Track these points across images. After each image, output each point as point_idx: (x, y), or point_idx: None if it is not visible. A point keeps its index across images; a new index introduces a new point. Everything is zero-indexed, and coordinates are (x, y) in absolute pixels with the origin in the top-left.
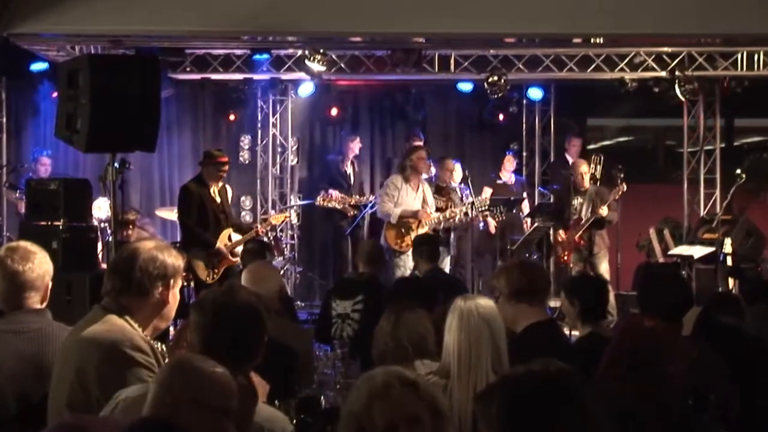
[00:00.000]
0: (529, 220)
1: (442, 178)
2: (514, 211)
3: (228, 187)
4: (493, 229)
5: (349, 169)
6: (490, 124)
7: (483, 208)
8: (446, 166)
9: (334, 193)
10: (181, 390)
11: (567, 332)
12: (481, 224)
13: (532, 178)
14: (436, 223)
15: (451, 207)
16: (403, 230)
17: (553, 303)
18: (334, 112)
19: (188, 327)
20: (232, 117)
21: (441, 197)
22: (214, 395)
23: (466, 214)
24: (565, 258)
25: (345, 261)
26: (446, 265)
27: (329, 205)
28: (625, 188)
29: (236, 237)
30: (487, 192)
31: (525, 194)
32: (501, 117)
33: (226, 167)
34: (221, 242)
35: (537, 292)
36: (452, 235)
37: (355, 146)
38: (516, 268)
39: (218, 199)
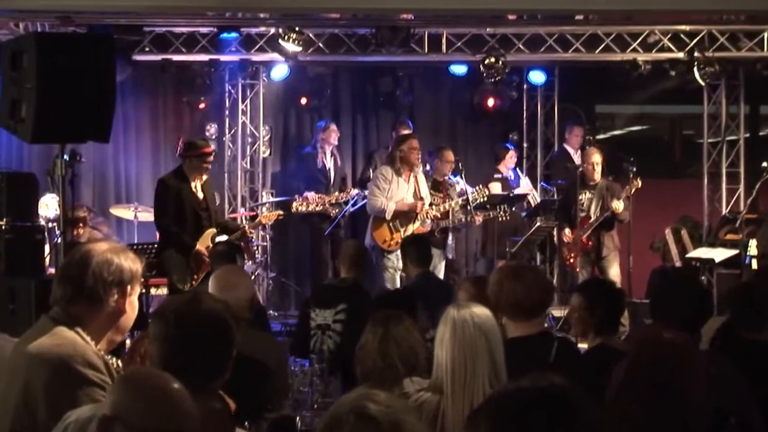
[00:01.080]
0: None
1: (441, 171)
2: (514, 208)
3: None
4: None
5: (328, 163)
6: (486, 111)
7: (480, 200)
8: (446, 157)
9: (310, 195)
10: (129, 414)
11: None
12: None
13: (533, 173)
14: (434, 220)
15: (448, 203)
16: (393, 226)
17: (557, 312)
18: (311, 98)
19: (146, 339)
20: (196, 103)
21: (438, 193)
22: (166, 418)
23: (464, 207)
24: (571, 261)
25: (324, 265)
26: (440, 271)
27: (306, 209)
28: (639, 184)
29: (222, 238)
30: (496, 189)
31: (530, 188)
32: (498, 104)
33: (211, 158)
34: (203, 244)
35: (533, 309)
36: (449, 237)
37: (331, 136)
38: (507, 279)
39: (201, 195)
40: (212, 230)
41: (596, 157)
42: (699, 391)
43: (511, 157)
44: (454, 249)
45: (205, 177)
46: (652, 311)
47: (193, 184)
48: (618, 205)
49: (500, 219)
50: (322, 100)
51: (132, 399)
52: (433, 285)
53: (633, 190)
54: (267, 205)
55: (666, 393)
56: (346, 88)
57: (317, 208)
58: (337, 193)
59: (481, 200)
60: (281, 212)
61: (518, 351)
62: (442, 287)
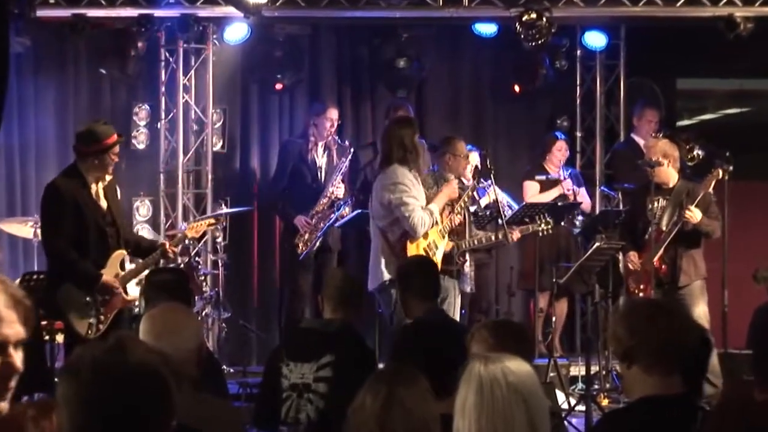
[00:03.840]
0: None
1: (454, 170)
2: (563, 223)
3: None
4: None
5: (319, 159)
6: (524, 88)
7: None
8: (458, 149)
9: (302, 220)
10: None
11: None
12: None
13: (590, 172)
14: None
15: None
16: (428, 247)
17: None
18: (280, 68)
19: (49, 407)
20: (119, 76)
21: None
22: None
23: (492, 219)
24: (642, 293)
25: (301, 300)
26: (455, 308)
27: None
28: (720, 174)
29: (132, 263)
30: (533, 190)
31: (582, 193)
32: (541, 77)
33: (117, 150)
34: (111, 272)
35: (681, 358)
36: (467, 263)
37: (327, 121)
38: (659, 314)
39: (104, 204)
40: (121, 252)
41: (667, 148)
42: None
43: (558, 150)
44: (473, 280)
45: (108, 178)
46: (756, 366)
47: (93, 189)
48: (694, 214)
49: (541, 233)
50: (295, 70)
51: None
52: (443, 327)
53: (713, 183)
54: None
55: None
56: (330, 55)
57: (306, 237)
58: (324, 200)
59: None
60: (213, 220)
61: (653, 414)
62: (456, 330)
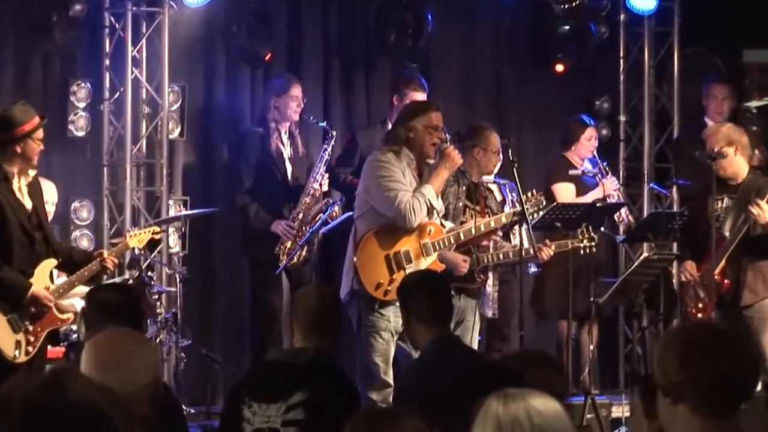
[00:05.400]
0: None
1: (483, 167)
2: (603, 228)
3: (49, 183)
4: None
5: (286, 149)
6: (555, 61)
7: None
8: (491, 143)
9: (281, 225)
10: None
11: None
12: (532, 267)
13: (636, 165)
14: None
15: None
16: (395, 258)
17: None
18: (251, 37)
19: None
20: (53, 47)
21: (472, 204)
22: None
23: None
24: (700, 314)
25: (272, 325)
26: (473, 335)
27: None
28: None
29: (63, 275)
30: (566, 193)
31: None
32: (576, 48)
33: (41, 135)
34: (41, 283)
35: (739, 396)
36: (490, 281)
37: (291, 101)
38: (713, 344)
39: (28, 204)
40: (51, 261)
41: (731, 134)
42: None
43: (590, 139)
44: (496, 302)
45: (32, 174)
46: None
47: (15, 185)
48: (764, 212)
49: (583, 251)
50: (272, 40)
51: None
52: (459, 359)
53: None
54: (179, 222)
55: None
56: (313, 20)
57: (288, 246)
58: (307, 199)
59: (535, 214)
60: (158, 228)
61: None
62: (472, 361)
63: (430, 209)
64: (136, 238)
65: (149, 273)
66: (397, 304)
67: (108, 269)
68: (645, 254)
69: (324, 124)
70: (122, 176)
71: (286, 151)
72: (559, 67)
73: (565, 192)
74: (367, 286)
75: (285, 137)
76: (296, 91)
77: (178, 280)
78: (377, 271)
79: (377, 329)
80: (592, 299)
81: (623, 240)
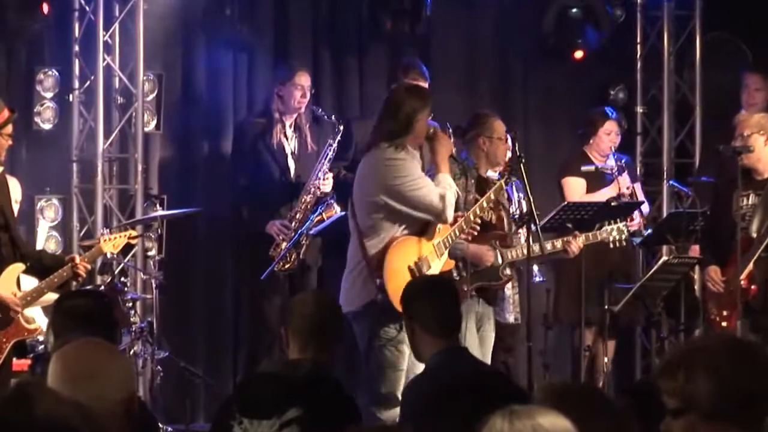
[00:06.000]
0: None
1: (492, 157)
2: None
3: (13, 179)
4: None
5: (289, 144)
6: (565, 47)
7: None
8: (495, 130)
9: (275, 226)
10: None
11: None
12: (537, 276)
13: (654, 161)
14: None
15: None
16: (415, 265)
17: None
18: (235, 20)
19: None
20: (18, 31)
21: (481, 197)
22: None
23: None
24: (725, 323)
25: (262, 335)
26: (487, 345)
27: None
28: None
29: (32, 281)
30: (577, 188)
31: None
32: (588, 33)
33: (9, 130)
34: (7, 288)
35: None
36: (509, 284)
37: (296, 90)
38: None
39: None
40: (18, 265)
41: (764, 122)
42: None
43: (610, 133)
44: (516, 304)
45: None
46: None
47: None
48: None
49: (613, 244)
50: (258, 23)
51: None
52: (468, 372)
53: None
54: (155, 223)
55: None
56: (302, 3)
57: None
58: (307, 198)
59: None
60: (134, 232)
61: None
62: (483, 375)
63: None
64: (111, 243)
65: (122, 278)
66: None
67: (80, 276)
68: (664, 258)
69: (333, 118)
70: (93, 173)
71: (290, 146)
72: (578, 54)
73: (573, 187)
74: (394, 299)
75: (289, 130)
76: (301, 79)
77: (154, 286)
78: (403, 283)
79: (395, 342)
80: (606, 307)
81: (641, 242)
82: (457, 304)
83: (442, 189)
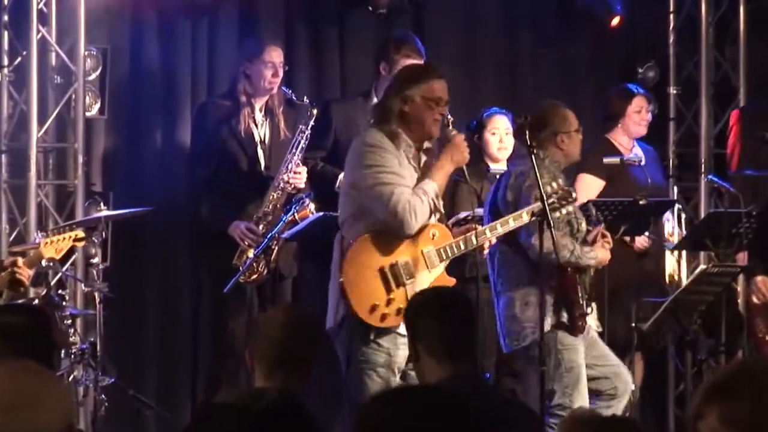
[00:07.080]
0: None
1: (571, 155)
2: (648, 233)
3: None
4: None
5: (259, 129)
6: (586, 20)
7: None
8: (572, 122)
9: (239, 229)
10: None
11: None
12: None
13: (689, 151)
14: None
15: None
16: (392, 272)
17: None
18: None
19: None
20: None
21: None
22: None
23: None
24: None
25: (225, 359)
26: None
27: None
28: None
29: None
30: (591, 187)
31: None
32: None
33: None
34: None
35: None
36: None
37: (265, 68)
38: None
39: None
40: None
41: None
42: None
43: (639, 112)
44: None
45: None
46: None
47: None
48: None
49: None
50: None
51: None
52: (484, 401)
53: None
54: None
55: None
56: None
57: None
58: (275, 195)
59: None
60: (80, 232)
61: None
62: (493, 402)
63: (433, 211)
64: (52, 247)
65: (60, 291)
66: (398, 331)
67: (23, 284)
68: (702, 267)
69: (306, 100)
70: (25, 165)
71: (259, 133)
72: (615, 21)
73: (586, 186)
74: (358, 310)
75: (259, 115)
76: (272, 55)
77: (97, 300)
78: (370, 290)
79: (372, 365)
80: (633, 324)
81: (675, 247)
82: (470, 324)
83: (414, 196)
